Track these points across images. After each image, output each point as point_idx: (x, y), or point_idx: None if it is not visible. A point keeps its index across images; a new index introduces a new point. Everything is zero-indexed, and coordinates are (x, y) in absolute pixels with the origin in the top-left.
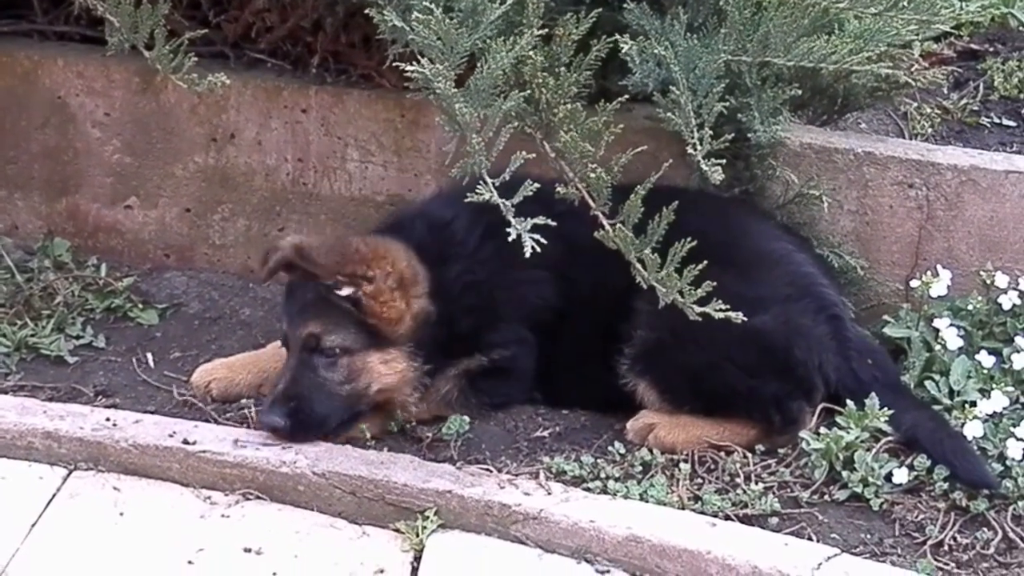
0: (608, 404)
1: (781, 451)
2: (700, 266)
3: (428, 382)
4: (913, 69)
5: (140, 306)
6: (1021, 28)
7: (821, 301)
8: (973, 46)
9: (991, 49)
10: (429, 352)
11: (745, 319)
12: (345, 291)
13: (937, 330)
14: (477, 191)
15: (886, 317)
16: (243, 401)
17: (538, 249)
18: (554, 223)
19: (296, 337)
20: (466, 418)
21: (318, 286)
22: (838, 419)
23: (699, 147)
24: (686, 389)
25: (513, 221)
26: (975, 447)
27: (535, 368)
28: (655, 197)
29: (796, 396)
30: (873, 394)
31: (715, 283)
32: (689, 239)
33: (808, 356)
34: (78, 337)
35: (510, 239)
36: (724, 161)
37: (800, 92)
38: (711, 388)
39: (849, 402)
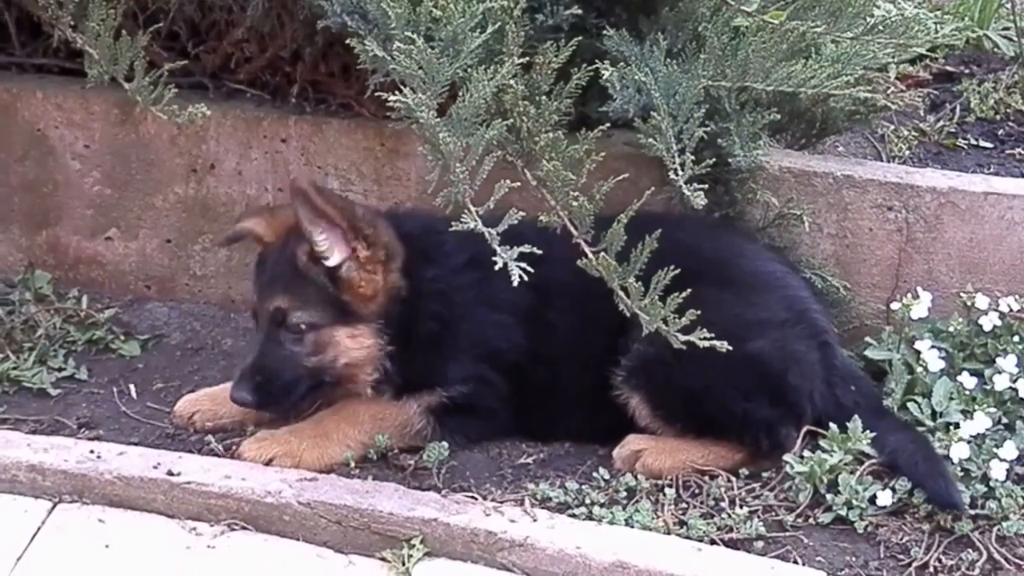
0: (592, 435)
1: (765, 475)
2: (685, 293)
3: (388, 365)
4: (890, 92)
5: (122, 337)
6: (996, 50)
7: (814, 327)
8: (948, 68)
9: (966, 71)
10: (394, 332)
11: (733, 347)
12: (333, 260)
13: (918, 352)
14: (461, 220)
15: (868, 339)
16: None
17: (525, 278)
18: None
19: (264, 310)
20: (445, 443)
21: (292, 257)
22: (822, 442)
23: (681, 172)
24: (680, 407)
25: (499, 250)
26: (959, 469)
27: (511, 408)
28: (640, 222)
29: (787, 422)
30: (856, 417)
31: (713, 303)
32: (685, 260)
33: (801, 383)
34: (60, 369)
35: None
36: (706, 186)
37: (779, 116)
38: (705, 408)
39: (832, 425)
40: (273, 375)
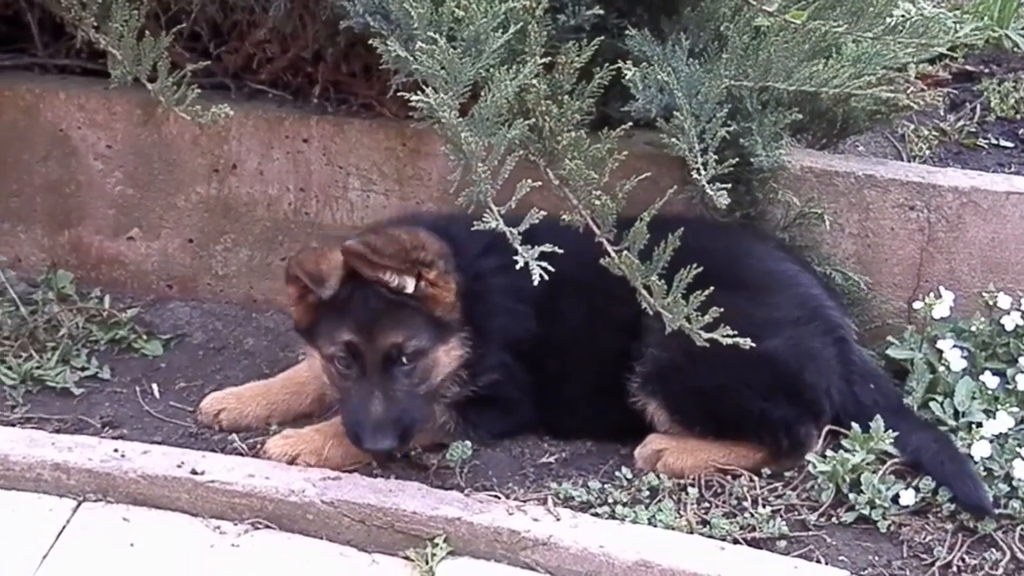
0: (613, 433)
1: (787, 474)
2: (707, 291)
3: (464, 374)
4: (910, 91)
5: (144, 337)
6: (1016, 49)
7: (828, 323)
8: (968, 68)
9: (986, 70)
10: (472, 333)
11: (754, 344)
12: (410, 288)
13: (940, 351)
14: (483, 219)
15: (890, 338)
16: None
17: (546, 277)
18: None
19: (376, 350)
20: (468, 443)
21: (380, 293)
22: (844, 442)
23: (703, 172)
24: (697, 411)
25: (520, 249)
26: (982, 468)
27: (533, 401)
28: (654, 224)
29: (805, 420)
30: (878, 417)
31: (725, 305)
32: (694, 262)
33: (817, 380)
34: (83, 369)
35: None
36: (728, 186)
37: (800, 116)
38: (723, 410)
39: (854, 424)
40: (404, 412)
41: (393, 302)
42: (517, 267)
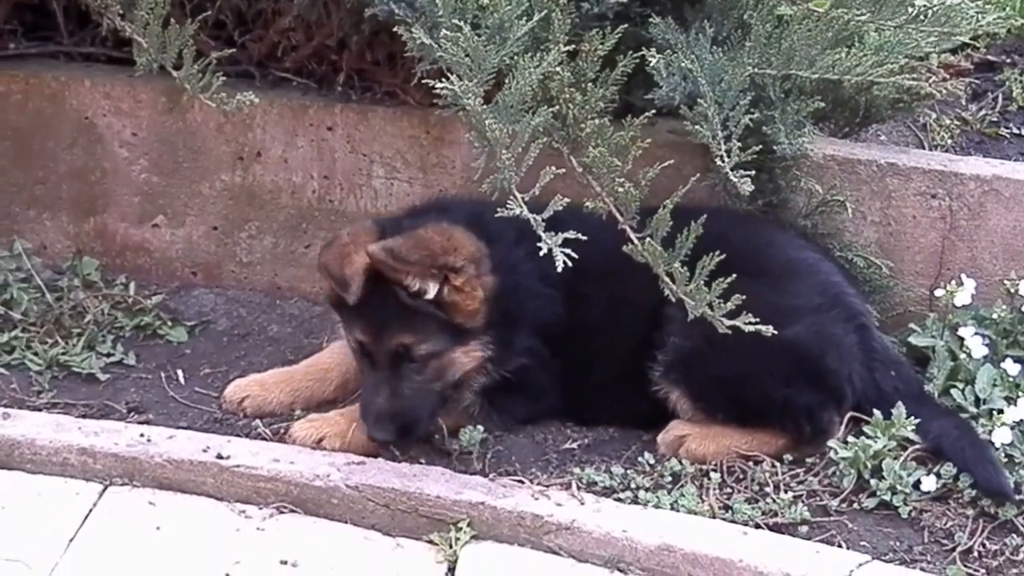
0: (635, 420)
1: (809, 460)
2: (729, 278)
3: (491, 367)
4: (932, 80)
5: (169, 323)
6: None
7: (849, 310)
8: (990, 57)
9: (1008, 60)
10: (496, 332)
11: (776, 331)
12: (431, 293)
13: (962, 339)
14: (507, 206)
15: (911, 326)
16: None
17: (569, 264)
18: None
19: (384, 349)
20: (482, 428)
21: (396, 295)
22: (865, 428)
23: (727, 159)
24: (720, 398)
25: (544, 236)
26: (1003, 454)
27: (557, 388)
28: (675, 213)
29: (828, 406)
30: (899, 403)
31: (747, 293)
32: (715, 250)
33: (839, 366)
34: (109, 355)
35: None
36: (752, 173)
37: (823, 104)
38: (746, 398)
39: (876, 411)
40: (408, 409)
41: (407, 306)
42: (540, 255)
